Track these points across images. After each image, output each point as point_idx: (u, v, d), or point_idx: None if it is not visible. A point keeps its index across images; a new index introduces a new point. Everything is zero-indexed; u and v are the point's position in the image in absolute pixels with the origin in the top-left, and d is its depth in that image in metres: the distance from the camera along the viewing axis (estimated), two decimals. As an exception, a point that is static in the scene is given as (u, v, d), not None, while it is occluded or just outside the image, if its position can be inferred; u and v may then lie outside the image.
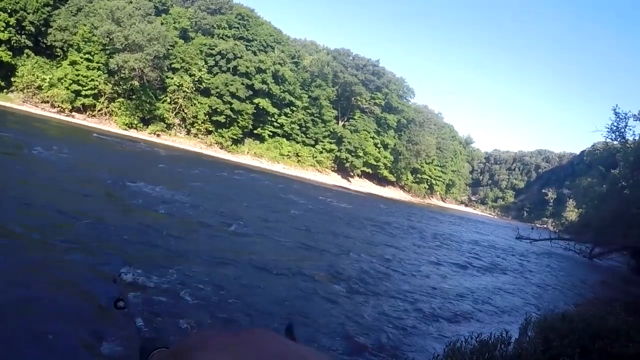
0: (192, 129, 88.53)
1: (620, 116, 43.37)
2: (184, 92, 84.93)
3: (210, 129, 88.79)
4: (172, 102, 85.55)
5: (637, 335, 8.62)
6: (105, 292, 8.88)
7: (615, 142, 48.45)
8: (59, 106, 74.06)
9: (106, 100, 78.98)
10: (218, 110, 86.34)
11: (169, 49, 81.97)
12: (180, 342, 0.56)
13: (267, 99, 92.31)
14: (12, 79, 73.40)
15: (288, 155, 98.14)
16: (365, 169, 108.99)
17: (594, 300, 18.93)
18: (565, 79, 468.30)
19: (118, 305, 1.25)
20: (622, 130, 43.83)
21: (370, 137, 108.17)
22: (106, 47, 76.35)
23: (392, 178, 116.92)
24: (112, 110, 79.80)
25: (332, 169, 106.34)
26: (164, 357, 0.60)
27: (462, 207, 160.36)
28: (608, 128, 44.25)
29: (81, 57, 76.36)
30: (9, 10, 70.36)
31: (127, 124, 79.08)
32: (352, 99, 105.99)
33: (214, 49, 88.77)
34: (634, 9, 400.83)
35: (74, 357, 6.69)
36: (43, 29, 75.82)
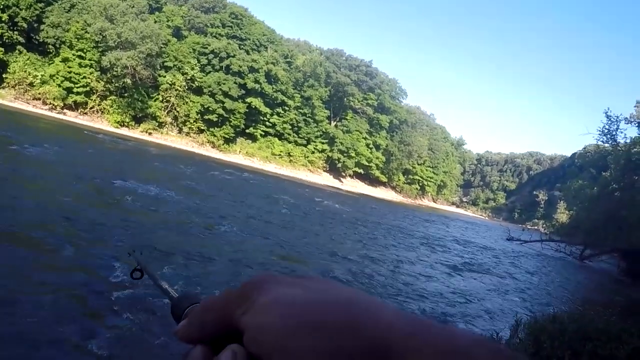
0: (184, 127, 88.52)
1: (612, 119, 43.50)
2: (176, 90, 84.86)
3: (202, 127, 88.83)
4: (164, 100, 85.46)
5: (627, 337, 8.62)
6: (93, 290, 8.83)
7: (606, 145, 48.63)
8: (50, 103, 73.94)
9: (98, 98, 78.89)
10: (210, 109, 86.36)
11: (161, 47, 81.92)
12: (249, 279, 0.53)
13: (259, 99, 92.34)
14: (4, 76, 73.10)
15: (280, 155, 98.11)
16: (357, 169, 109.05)
17: (584, 302, 18.97)
18: (557, 81, 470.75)
19: (134, 276, 1.22)
20: (614, 133, 43.96)
21: (363, 138, 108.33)
22: (99, 45, 76.21)
23: (383, 179, 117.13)
24: (104, 108, 79.68)
25: (324, 169, 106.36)
26: (221, 298, 0.54)
27: (453, 208, 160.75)
28: (599, 130, 44.37)
29: (73, 54, 76.27)
30: (1, 6, 70.10)
31: (118, 122, 79.05)
32: (345, 99, 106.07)
33: (207, 48, 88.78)
34: (626, 10, 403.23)
35: (63, 356, 6.64)
36: (35, 25, 75.43)
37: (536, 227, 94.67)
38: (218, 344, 0.55)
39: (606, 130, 44.02)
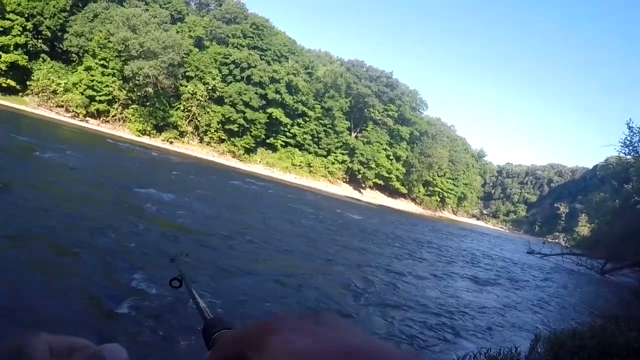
0: (204, 137, 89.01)
1: (634, 130, 43.04)
2: (197, 100, 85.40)
3: (223, 137, 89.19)
4: (186, 109, 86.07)
5: (648, 353, 8.50)
6: (112, 297, 8.86)
7: (628, 157, 48.08)
8: (73, 111, 74.87)
9: (120, 106, 79.69)
10: (231, 119, 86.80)
11: (183, 57, 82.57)
12: (257, 323, 0.57)
13: (280, 109, 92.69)
14: (28, 83, 74.30)
15: (300, 165, 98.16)
16: (377, 180, 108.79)
17: (605, 317, 18.72)
18: (578, 93, 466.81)
19: (172, 284, 1.23)
20: (636, 144, 43.48)
21: (383, 149, 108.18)
22: (121, 54, 77.10)
23: (403, 190, 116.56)
24: (126, 117, 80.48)
25: (344, 180, 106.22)
26: (238, 336, 0.59)
27: (473, 221, 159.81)
28: (621, 142, 43.92)
29: (96, 63, 77.16)
30: (26, 15, 71.33)
31: (140, 130, 79.74)
32: (365, 110, 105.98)
33: (228, 58, 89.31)
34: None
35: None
36: (59, 34, 76.84)
37: (557, 240, 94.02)
38: None
39: (628, 142, 43.55)
